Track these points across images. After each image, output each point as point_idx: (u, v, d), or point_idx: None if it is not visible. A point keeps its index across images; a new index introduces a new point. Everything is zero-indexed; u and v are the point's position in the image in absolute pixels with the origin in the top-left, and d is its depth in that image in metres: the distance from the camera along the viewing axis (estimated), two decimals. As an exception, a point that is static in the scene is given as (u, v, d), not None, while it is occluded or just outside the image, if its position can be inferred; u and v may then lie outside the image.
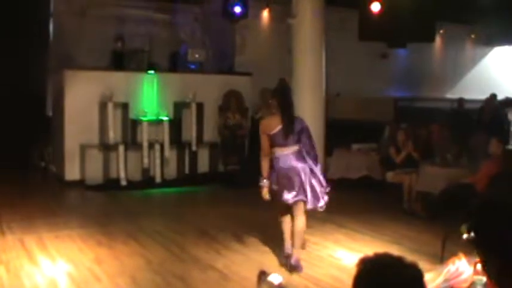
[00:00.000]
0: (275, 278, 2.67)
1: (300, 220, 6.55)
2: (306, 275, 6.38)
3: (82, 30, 13.74)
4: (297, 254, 6.57)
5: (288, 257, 6.61)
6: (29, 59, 13.64)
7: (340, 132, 12.58)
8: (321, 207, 6.60)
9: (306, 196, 6.44)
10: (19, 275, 6.32)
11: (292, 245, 6.62)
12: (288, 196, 6.44)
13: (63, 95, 11.79)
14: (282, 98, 6.61)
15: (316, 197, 6.51)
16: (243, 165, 12.52)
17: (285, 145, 6.49)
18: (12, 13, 13.13)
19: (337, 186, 11.60)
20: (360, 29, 13.13)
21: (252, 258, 7.02)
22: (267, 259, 6.95)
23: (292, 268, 6.47)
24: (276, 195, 6.56)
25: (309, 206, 6.51)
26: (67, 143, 11.73)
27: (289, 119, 6.51)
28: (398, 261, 2.06)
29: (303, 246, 6.91)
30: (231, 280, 6.24)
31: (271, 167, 6.57)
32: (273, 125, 6.51)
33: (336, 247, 7.54)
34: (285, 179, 6.45)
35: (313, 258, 7.03)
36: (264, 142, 6.55)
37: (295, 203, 6.48)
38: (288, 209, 6.62)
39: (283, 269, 6.47)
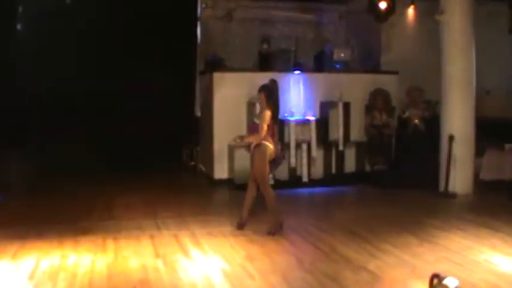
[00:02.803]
0: (451, 281, 2.61)
1: None
2: (461, 279, 6.09)
3: (228, 33, 14.15)
4: None
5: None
6: (178, 62, 14.21)
7: (492, 131, 12.08)
8: None
9: None
10: (175, 268, 6.59)
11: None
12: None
13: (212, 96, 12.16)
14: (270, 94, 8.13)
15: None
16: (391, 166, 12.36)
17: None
18: (164, 19, 13.71)
19: (490, 188, 11.28)
20: (511, 21, 12.55)
21: (404, 260, 6.87)
22: (420, 261, 6.79)
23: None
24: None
25: None
26: (216, 143, 12.10)
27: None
28: None
29: None
30: (384, 282, 6.15)
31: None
32: None
33: (492, 252, 7.20)
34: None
35: (468, 263, 6.78)
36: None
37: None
38: None
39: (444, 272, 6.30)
